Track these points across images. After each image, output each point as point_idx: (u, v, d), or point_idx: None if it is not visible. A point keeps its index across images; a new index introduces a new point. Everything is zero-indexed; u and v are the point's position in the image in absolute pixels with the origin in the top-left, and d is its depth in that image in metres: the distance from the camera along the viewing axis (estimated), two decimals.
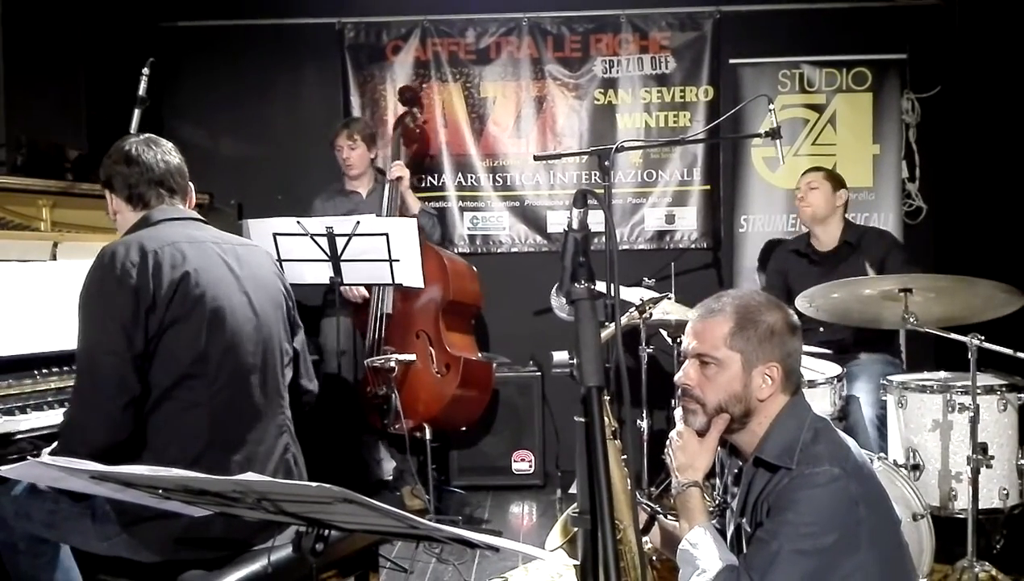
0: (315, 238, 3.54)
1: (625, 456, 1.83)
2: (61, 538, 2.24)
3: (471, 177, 5.04)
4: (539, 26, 4.98)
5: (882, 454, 3.08)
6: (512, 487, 4.59)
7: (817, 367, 3.29)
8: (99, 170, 2.31)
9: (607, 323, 1.48)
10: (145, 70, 3.34)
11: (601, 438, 1.34)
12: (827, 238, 3.92)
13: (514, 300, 4.87)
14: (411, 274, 3.64)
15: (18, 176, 3.30)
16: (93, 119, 4.22)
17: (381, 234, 3.53)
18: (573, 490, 1.69)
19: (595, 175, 4.95)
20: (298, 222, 3.57)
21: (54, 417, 2.44)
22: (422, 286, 3.76)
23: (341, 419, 4.14)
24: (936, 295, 3.08)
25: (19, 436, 2.39)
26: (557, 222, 5.01)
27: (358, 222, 3.54)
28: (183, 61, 4.89)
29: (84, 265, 2.15)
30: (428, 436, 3.91)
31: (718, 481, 2.11)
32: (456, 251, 4.95)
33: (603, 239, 3.72)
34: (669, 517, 2.05)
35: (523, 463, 4.61)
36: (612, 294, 1.73)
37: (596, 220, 1.57)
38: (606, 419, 1.44)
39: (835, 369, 3.25)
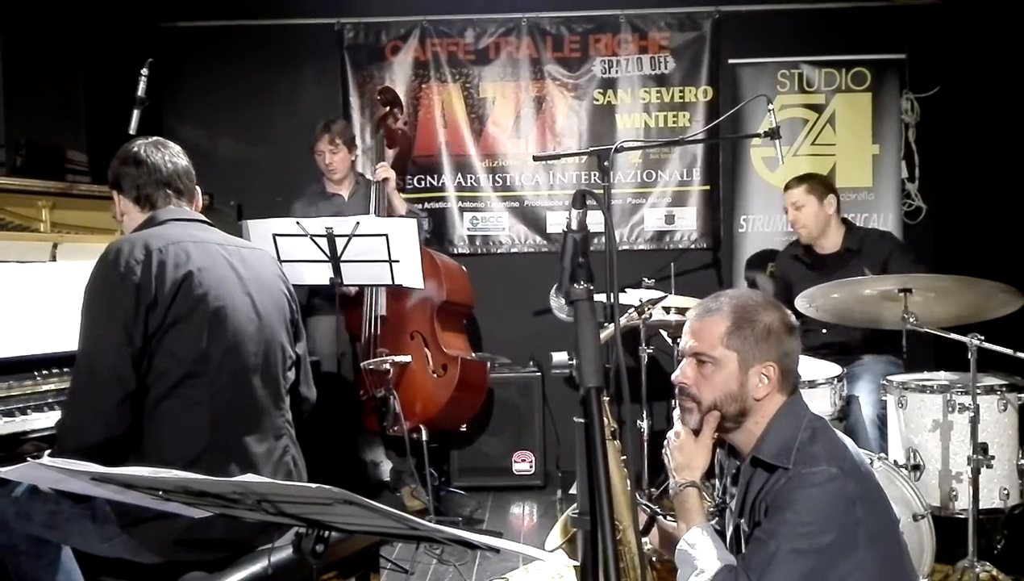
0: (315, 239, 3.54)
1: (625, 457, 1.83)
2: (62, 539, 2.24)
3: (471, 177, 5.04)
4: (538, 26, 4.98)
5: (882, 454, 3.08)
6: (512, 488, 4.59)
7: (817, 367, 3.29)
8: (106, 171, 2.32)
9: (606, 324, 1.49)
10: (144, 70, 3.34)
11: (601, 439, 1.34)
12: (828, 243, 3.92)
13: (514, 301, 4.87)
14: (411, 275, 3.63)
15: (17, 177, 3.31)
16: (92, 120, 4.22)
17: (381, 235, 3.53)
18: (573, 491, 1.69)
19: (594, 175, 4.95)
20: (298, 223, 3.57)
21: (54, 418, 2.43)
22: (422, 287, 3.76)
23: (339, 420, 4.13)
24: (936, 295, 3.08)
25: (20, 437, 2.40)
26: (556, 222, 5.01)
27: (358, 223, 3.53)
28: (182, 62, 4.89)
29: (84, 266, 2.15)
30: (425, 437, 3.91)
31: (717, 482, 2.11)
32: (456, 252, 4.96)
33: (602, 239, 3.72)
34: (668, 518, 2.05)
35: (523, 464, 4.61)
36: (611, 295, 1.73)
37: (595, 220, 1.57)
38: (606, 420, 1.44)
39: (835, 369, 3.25)
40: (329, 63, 5.00)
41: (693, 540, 1.80)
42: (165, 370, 2.07)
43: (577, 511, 1.47)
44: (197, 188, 2.37)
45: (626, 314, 3.67)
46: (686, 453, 1.88)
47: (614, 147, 3.00)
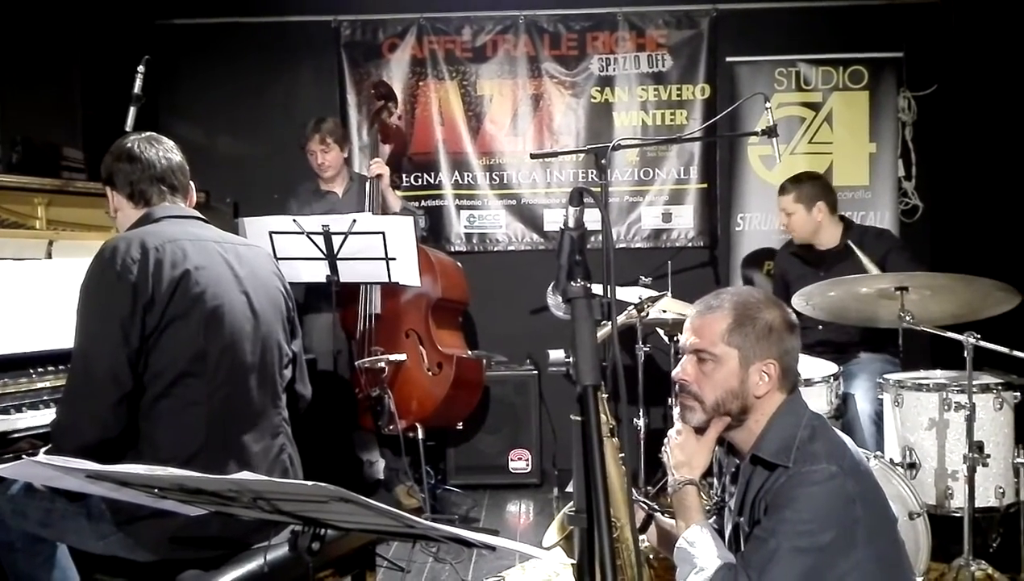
0: (311, 236, 3.54)
1: (622, 454, 1.83)
2: (57, 537, 2.24)
3: (468, 175, 5.03)
4: (536, 24, 4.98)
5: (879, 452, 3.08)
6: (509, 486, 4.59)
7: (814, 366, 3.29)
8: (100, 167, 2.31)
9: (603, 322, 1.48)
10: (140, 68, 3.33)
11: (598, 436, 1.34)
12: (826, 239, 3.92)
13: (510, 298, 4.87)
14: (408, 272, 3.63)
15: (13, 174, 3.30)
16: (88, 117, 4.21)
17: (378, 233, 3.52)
18: (570, 489, 1.69)
19: (592, 173, 4.94)
20: (294, 220, 3.56)
21: (50, 416, 2.43)
22: (418, 285, 3.75)
23: (335, 418, 4.13)
24: (932, 293, 3.08)
25: (15, 435, 2.39)
26: (554, 220, 5.00)
27: (355, 220, 3.53)
28: (179, 59, 4.88)
29: (80, 263, 2.15)
30: (421, 435, 3.91)
31: (715, 481, 2.11)
32: (453, 249, 4.95)
33: (600, 237, 3.72)
34: (666, 515, 2.05)
35: (520, 462, 4.61)
36: (608, 292, 1.73)
37: (592, 218, 1.57)
38: (603, 417, 1.44)
39: (832, 367, 3.25)
40: (326, 61, 4.99)
41: (692, 538, 1.80)
42: (162, 369, 2.07)
43: (574, 509, 1.47)
44: (191, 183, 2.36)
45: (624, 312, 3.67)
46: (686, 451, 1.88)
47: (611, 145, 2.99)
